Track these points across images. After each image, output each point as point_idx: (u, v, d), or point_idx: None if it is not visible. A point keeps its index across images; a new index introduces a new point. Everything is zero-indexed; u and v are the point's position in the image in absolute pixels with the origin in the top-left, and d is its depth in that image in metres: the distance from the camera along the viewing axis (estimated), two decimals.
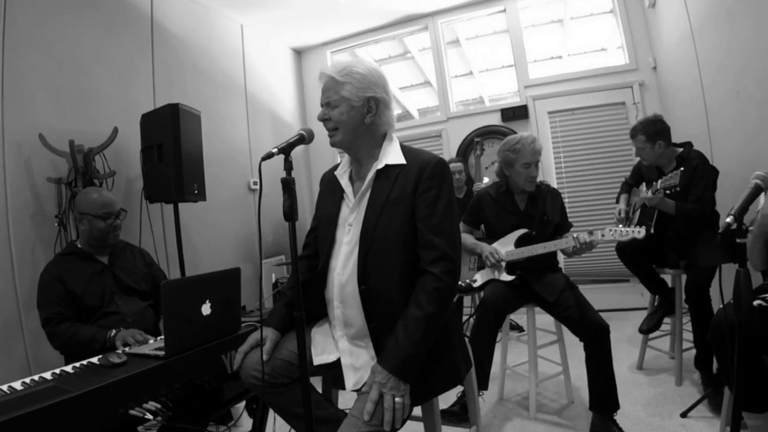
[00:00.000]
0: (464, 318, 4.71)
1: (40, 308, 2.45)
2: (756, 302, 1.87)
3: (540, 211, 2.92)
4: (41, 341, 2.92)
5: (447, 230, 1.65)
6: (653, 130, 3.16)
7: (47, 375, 1.65)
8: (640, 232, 2.56)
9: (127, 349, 2.04)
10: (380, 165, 1.73)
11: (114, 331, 2.31)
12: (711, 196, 3.03)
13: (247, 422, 2.39)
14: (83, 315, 2.47)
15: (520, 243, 2.89)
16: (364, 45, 6.51)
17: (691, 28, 3.87)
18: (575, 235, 2.69)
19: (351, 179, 1.86)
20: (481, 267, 3.03)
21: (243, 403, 2.30)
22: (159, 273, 2.90)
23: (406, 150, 1.78)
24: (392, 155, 1.75)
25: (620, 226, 2.63)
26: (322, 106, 1.77)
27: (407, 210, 1.66)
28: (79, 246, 2.66)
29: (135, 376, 1.61)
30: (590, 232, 2.69)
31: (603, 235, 2.66)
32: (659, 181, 2.90)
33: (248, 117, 5.36)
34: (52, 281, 2.46)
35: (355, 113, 1.71)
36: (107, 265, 2.63)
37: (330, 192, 1.90)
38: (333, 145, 1.78)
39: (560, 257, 3.08)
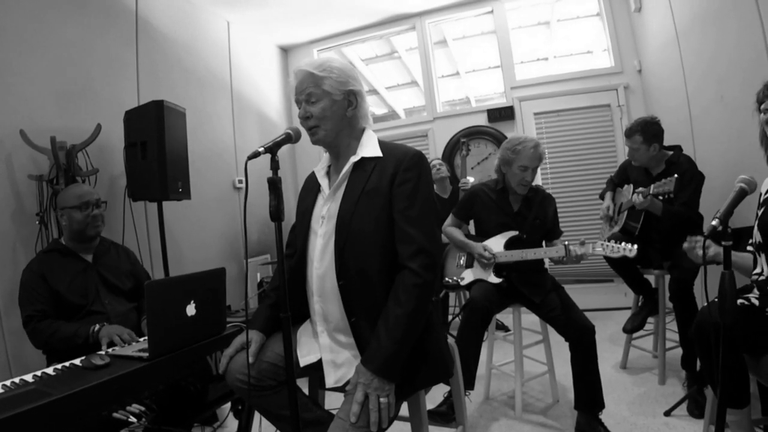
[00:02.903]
0: (450, 317, 4.72)
1: (22, 306, 2.40)
2: (739, 301, 1.89)
3: (533, 214, 2.93)
4: (23, 342, 2.86)
5: (425, 223, 1.63)
6: (651, 132, 3.15)
7: (28, 377, 1.62)
8: (631, 251, 2.57)
9: (110, 350, 2.01)
10: (356, 158, 1.72)
11: (97, 326, 2.28)
12: (696, 201, 3.05)
13: (232, 423, 2.37)
14: (66, 314, 2.42)
15: (509, 245, 2.90)
16: (351, 44, 6.49)
17: (676, 32, 3.91)
18: (566, 243, 2.69)
19: (328, 174, 1.85)
20: (469, 265, 3.04)
21: (229, 404, 2.28)
22: (142, 272, 2.86)
23: (383, 144, 1.77)
24: (369, 148, 1.74)
25: (612, 242, 2.63)
26: (298, 103, 1.74)
27: (384, 202, 1.65)
28: (63, 243, 2.61)
29: (118, 378, 1.59)
30: (582, 243, 2.69)
31: (594, 249, 2.66)
32: (652, 186, 2.89)
33: (234, 115, 5.31)
34: (34, 278, 2.41)
35: (337, 107, 1.71)
36: (91, 264, 2.59)
37: (309, 188, 1.90)
38: (315, 142, 1.75)
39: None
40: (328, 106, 1.69)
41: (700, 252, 1.73)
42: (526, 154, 2.84)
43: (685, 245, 2.03)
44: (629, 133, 3.25)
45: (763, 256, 1.94)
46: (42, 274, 2.42)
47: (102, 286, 2.56)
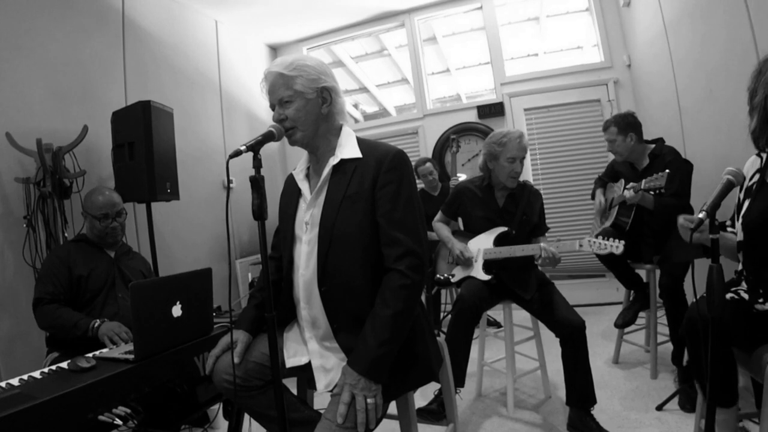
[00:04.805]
0: (442, 314, 4.72)
1: (37, 286, 2.50)
2: (728, 295, 1.89)
3: (520, 210, 2.92)
4: (13, 346, 2.88)
5: (410, 224, 1.61)
6: (625, 122, 3.22)
7: (14, 381, 1.60)
8: (618, 248, 2.55)
9: (98, 352, 1.99)
10: (335, 160, 1.69)
11: (98, 322, 2.31)
12: (685, 191, 3.06)
13: (223, 424, 2.36)
14: (82, 301, 2.51)
15: (499, 242, 2.89)
16: (341, 42, 6.48)
17: (665, 26, 3.92)
18: (542, 245, 2.68)
19: (308, 176, 1.82)
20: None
21: (219, 405, 2.27)
22: None
23: (362, 143, 1.74)
24: (348, 149, 1.71)
25: (600, 238, 2.61)
26: (272, 107, 1.72)
27: (367, 206, 1.62)
28: (89, 237, 2.74)
29: (104, 380, 1.57)
30: (558, 239, 2.70)
31: (581, 245, 2.64)
32: (643, 181, 2.89)
33: (223, 114, 5.29)
34: (58, 264, 2.52)
35: (312, 107, 1.68)
36: (113, 259, 2.71)
37: (289, 192, 1.87)
38: (293, 144, 1.72)
39: None
40: (302, 106, 1.66)
41: (692, 233, 1.69)
42: (513, 146, 2.83)
43: (680, 220, 1.96)
44: (605, 126, 3.34)
45: (740, 253, 1.94)
46: (66, 261, 2.53)
47: (120, 280, 2.66)
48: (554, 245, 2.68)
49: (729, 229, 2.03)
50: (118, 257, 2.74)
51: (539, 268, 2.96)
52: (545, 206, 3.07)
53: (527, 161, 5.40)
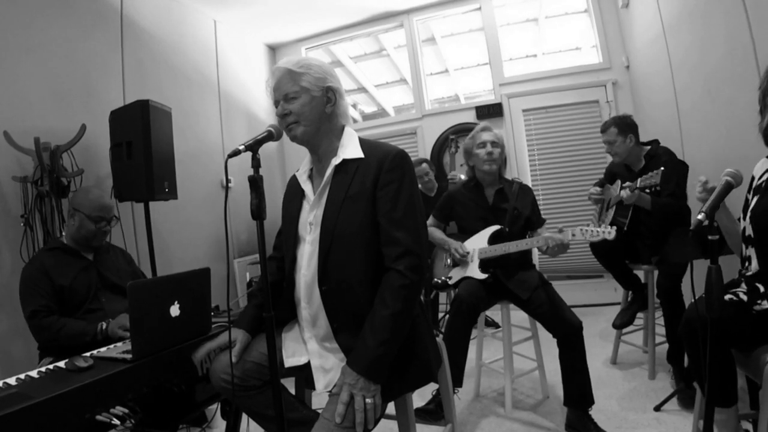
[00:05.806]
0: (440, 315, 4.71)
1: (25, 301, 2.41)
2: (727, 296, 1.89)
3: (511, 205, 2.93)
4: (10, 345, 2.87)
5: (410, 224, 1.61)
6: (625, 123, 3.23)
7: (11, 380, 1.59)
8: (610, 233, 2.55)
9: (95, 352, 1.98)
10: (338, 160, 1.69)
11: (104, 324, 2.31)
12: (683, 191, 3.06)
13: (221, 423, 2.35)
14: (68, 309, 2.45)
15: (493, 240, 2.89)
16: (339, 42, 6.48)
17: (663, 28, 3.92)
18: (546, 235, 2.68)
19: (311, 177, 1.83)
20: (456, 264, 3.03)
21: (218, 405, 2.27)
22: (139, 273, 2.90)
23: (364, 143, 1.74)
24: (350, 149, 1.71)
25: (591, 225, 2.62)
26: (276, 103, 1.72)
27: (368, 206, 1.62)
28: (65, 242, 2.64)
29: (101, 380, 1.57)
30: (560, 230, 2.69)
31: (573, 234, 2.65)
32: (639, 179, 2.90)
33: (221, 114, 5.28)
34: (37, 275, 2.43)
35: (316, 104, 1.68)
36: (92, 262, 2.63)
37: (292, 192, 1.87)
38: (293, 139, 1.72)
39: (534, 254, 3.11)
40: (307, 102, 1.66)
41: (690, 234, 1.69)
42: (481, 133, 2.96)
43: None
44: (604, 128, 3.34)
45: (752, 249, 1.93)
46: (45, 271, 2.44)
47: (101, 283, 2.59)
48: (558, 235, 2.67)
49: None
50: (97, 259, 2.66)
51: (537, 265, 2.96)
52: (543, 206, 3.08)
53: (525, 161, 5.41)
